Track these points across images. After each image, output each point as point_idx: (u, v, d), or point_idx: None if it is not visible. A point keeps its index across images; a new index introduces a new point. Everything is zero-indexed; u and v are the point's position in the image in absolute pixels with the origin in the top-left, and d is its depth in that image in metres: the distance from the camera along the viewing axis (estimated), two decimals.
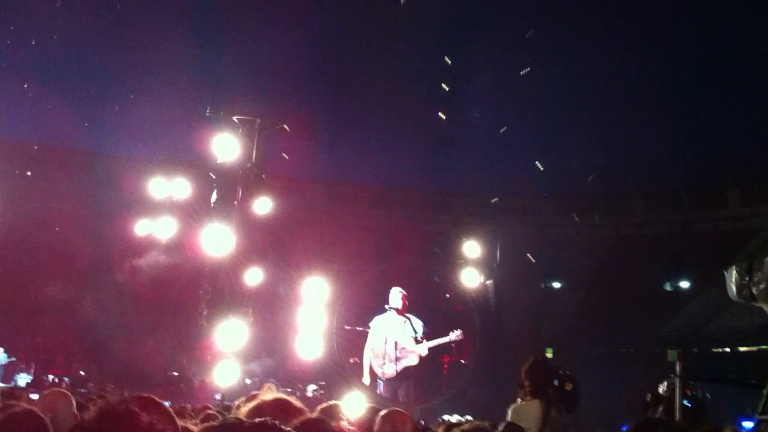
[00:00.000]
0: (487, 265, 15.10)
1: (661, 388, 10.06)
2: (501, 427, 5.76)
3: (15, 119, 16.77)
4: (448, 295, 14.64)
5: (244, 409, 3.44)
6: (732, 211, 18.84)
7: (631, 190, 20.47)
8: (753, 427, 4.74)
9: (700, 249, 17.29)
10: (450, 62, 18.31)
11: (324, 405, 5.45)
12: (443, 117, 17.30)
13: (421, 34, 18.98)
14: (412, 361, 11.05)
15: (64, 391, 4.12)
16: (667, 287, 18.09)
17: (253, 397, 3.76)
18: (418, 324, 11.34)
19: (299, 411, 3.55)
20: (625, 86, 17.66)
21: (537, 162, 18.14)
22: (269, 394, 3.72)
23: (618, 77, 17.66)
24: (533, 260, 18.51)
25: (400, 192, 19.69)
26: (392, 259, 15.31)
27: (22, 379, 12.79)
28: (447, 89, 17.81)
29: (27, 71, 16.52)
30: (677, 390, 7.41)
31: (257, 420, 1.61)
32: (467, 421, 7.81)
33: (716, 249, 15.56)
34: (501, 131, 17.97)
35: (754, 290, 5.36)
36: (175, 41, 17.43)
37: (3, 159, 16.54)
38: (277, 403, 3.40)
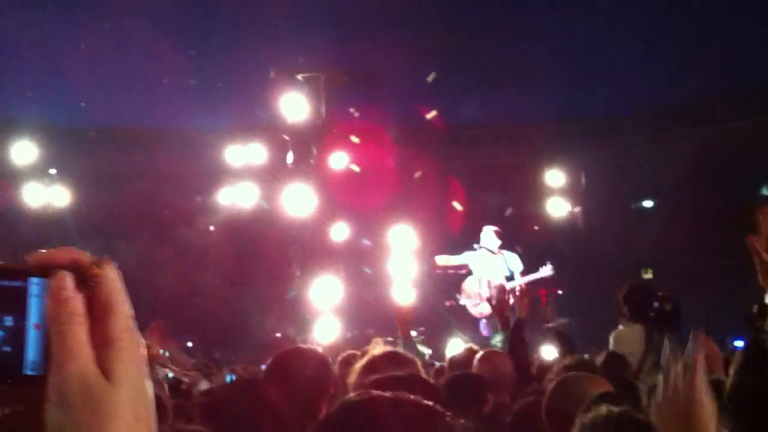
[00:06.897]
0: (572, 192, 14.75)
1: None
2: (602, 358, 5.65)
3: (101, 104, 17.26)
4: (536, 227, 14.41)
5: (357, 366, 3.46)
6: None
7: (714, 96, 19.49)
8: None
9: None
10: None
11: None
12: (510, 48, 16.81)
13: None
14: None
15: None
16: (765, 192, 17.33)
17: (365, 353, 3.78)
18: (515, 259, 11.19)
19: (410, 362, 3.55)
20: None
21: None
22: (378, 348, 3.74)
23: None
24: (620, 181, 18.02)
25: (474, 129, 19.34)
26: (475, 197, 15.14)
27: None
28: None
29: (104, 60, 16.95)
30: None
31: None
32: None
33: None
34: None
35: None
36: (236, 9, 17.45)
37: (90, 144, 17.31)
38: (389, 356, 3.41)
